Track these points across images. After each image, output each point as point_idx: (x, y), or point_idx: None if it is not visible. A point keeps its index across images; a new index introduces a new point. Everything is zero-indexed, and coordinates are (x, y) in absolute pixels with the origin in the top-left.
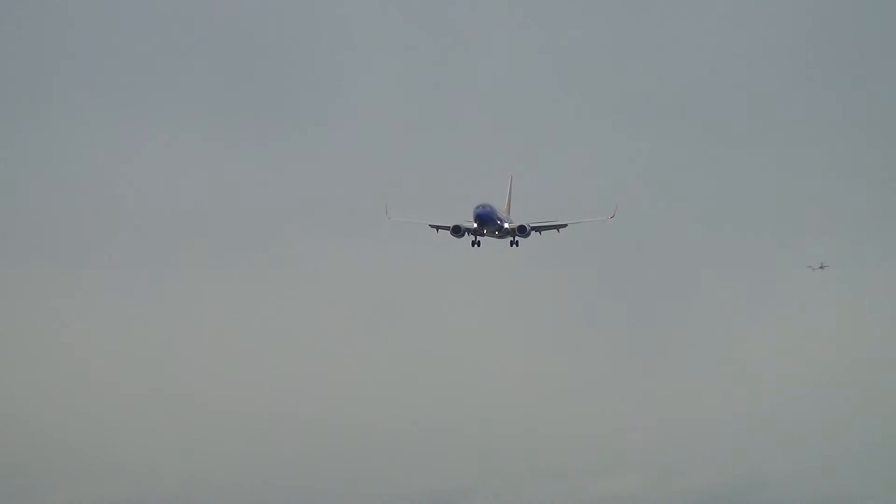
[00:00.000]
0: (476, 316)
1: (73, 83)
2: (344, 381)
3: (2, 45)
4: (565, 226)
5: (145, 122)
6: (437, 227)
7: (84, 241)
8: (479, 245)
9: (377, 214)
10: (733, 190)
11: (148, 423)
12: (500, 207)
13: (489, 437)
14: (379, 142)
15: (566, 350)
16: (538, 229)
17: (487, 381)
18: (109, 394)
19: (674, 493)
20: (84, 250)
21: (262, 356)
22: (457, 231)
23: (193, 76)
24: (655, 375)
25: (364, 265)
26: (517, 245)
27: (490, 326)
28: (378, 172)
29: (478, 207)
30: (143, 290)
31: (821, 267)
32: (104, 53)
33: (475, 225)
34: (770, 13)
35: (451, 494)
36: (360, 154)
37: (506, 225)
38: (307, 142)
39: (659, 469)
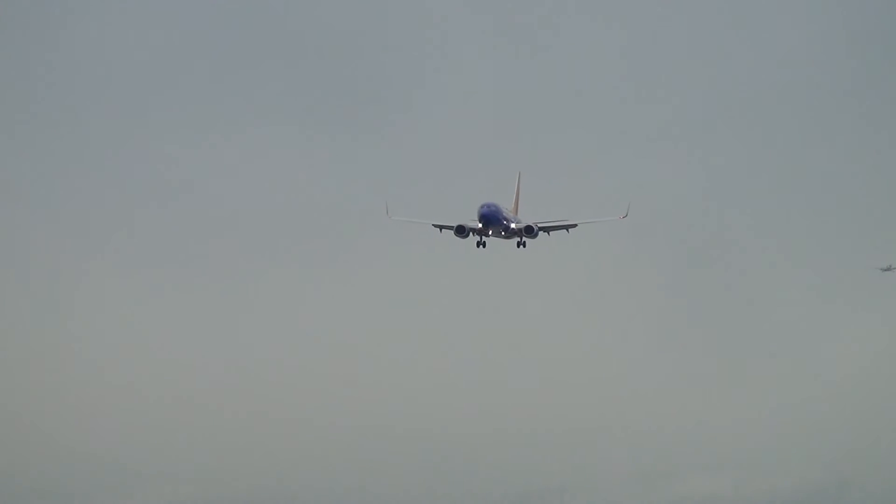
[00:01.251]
0: (496, 317)
1: (165, 80)
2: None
3: (113, 40)
4: (575, 226)
5: (238, 117)
6: (441, 227)
7: (170, 239)
8: (484, 246)
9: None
10: (763, 188)
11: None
12: (506, 206)
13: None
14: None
15: (588, 352)
16: (546, 229)
17: (521, 383)
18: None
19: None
20: (171, 248)
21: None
22: (461, 231)
23: (275, 72)
24: (710, 375)
25: (366, 266)
26: (524, 246)
27: (512, 328)
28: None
29: (482, 207)
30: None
31: (889, 268)
32: (196, 49)
33: (480, 225)
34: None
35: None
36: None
37: (512, 225)
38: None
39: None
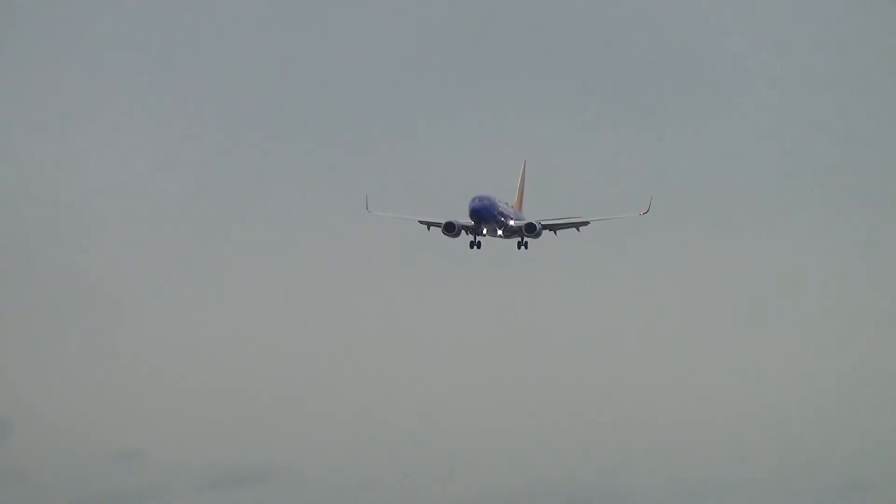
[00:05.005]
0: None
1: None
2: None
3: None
4: (587, 223)
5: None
6: (428, 224)
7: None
8: (479, 246)
9: None
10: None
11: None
12: (505, 200)
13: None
14: None
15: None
16: (552, 227)
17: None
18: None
19: None
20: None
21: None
22: (450, 229)
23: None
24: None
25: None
26: (526, 247)
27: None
28: None
29: (473, 200)
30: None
31: None
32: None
33: (472, 222)
34: None
35: None
36: None
37: (511, 222)
38: None
39: None
